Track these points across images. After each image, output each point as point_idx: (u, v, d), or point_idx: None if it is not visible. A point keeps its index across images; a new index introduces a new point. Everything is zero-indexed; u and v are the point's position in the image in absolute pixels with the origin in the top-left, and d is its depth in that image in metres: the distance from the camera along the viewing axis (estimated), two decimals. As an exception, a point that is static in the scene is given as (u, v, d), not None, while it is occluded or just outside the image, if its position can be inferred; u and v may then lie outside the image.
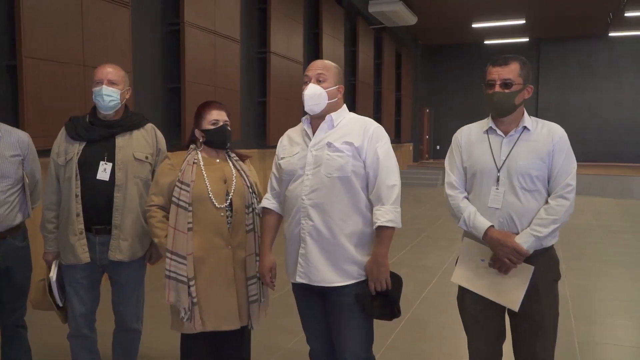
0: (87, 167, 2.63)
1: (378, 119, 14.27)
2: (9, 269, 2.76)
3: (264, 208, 2.52)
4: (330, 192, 2.24)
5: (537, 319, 2.27)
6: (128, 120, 2.75)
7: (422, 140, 19.91)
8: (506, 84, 2.27)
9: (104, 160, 2.66)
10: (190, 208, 2.48)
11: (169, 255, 2.48)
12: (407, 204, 11.53)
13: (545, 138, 2.28)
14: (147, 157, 2.76)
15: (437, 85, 20.27)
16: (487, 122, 2.41)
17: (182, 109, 6.16)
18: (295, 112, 9.07)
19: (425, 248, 6.97)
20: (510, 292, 2.27)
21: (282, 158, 2.42)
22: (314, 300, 2.37)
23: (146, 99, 5.87)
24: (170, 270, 2.48)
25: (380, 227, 2.21)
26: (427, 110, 20.38)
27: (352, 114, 2.41)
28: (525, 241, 2.22)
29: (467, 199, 2.41)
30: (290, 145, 2.43)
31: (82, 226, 2.62)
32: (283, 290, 4.61)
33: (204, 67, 6.48)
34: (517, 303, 2.25)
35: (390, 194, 2.24)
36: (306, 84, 2.34)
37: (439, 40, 19.16)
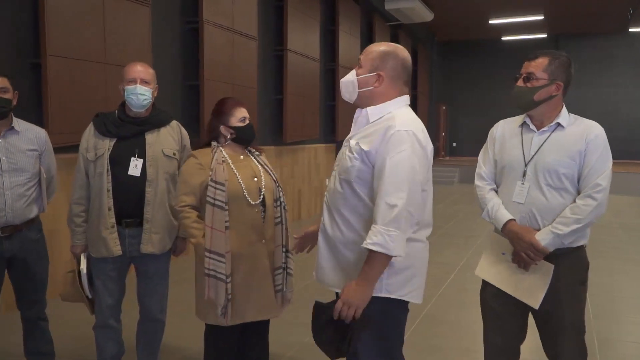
0: (118, 162, 2.70)
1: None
2: (26, 261, 2.85)
3: None
4: (339, 194, 2.07)
5: (557, 319, 2.25)
6: (156, 118, 2.83)
7: (438, 138, 19.83)
8: (527, 78, 2.25)
9: (134, 157, 2.72)
10: (226, 207, 2.50)
11: (207, 254, 2.49)
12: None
13: (578, 136, 2.21)
14: (174, 154, 2.83)
15: (454, 82, 20.17)
16: (523, 117, 2.38)
17: (201, 106, 6.22)
18: (311, 110, 9.10)
19: (441, 245, 6.97)
20: (531, 289, 2.24)
21: None
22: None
23: (165, 96, 5.93)
24: (209, 269, 2.49)
25: (369, 250, 1.90)
26: (444, 108, 20.28)
27: (403, 111, 2.06)
28: (543, 238, 2.18)
29: (496, 191, 2.40)
30: None
31: (113, 220, 2.69)
32: (300, 285, 4.66)
33: (222, 65, 6.53)
34: (537, 301, 2.22)
35: (386, 213, 1.88)
36: None
37: (455, 36, 19.05)
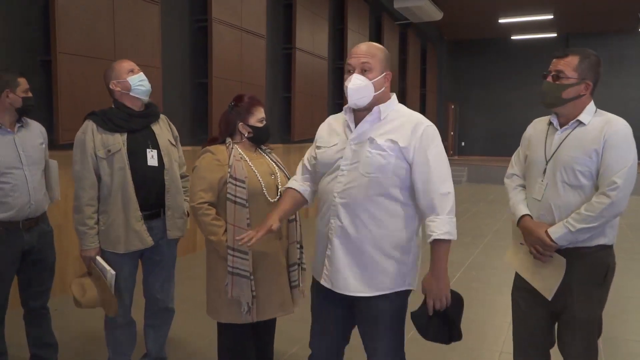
0: (135, 155, 2.73)
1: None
2: (40, 253, 2.91)
3: (289, 188, 2.33)
4: (366, 192, 2.03)
5: (568, 317, 2.27)
6: (156, 110, 2.91)
7: (446, 137, 19.78)
8: (557, 76, 2.24)
9: (149, 148, 2.77)
10: (247, 204, 2.50)
11: (230, 252, 2.49)
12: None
13: (596, 133, 2.18)
14: (175, 143, 2.94)
15: (463, 81, 20.10)
16: (551, 115, 2.39)
17: (209, 103, 6.26)
18: (320, 108, 9.12)
19: (449, 244, 6.94)
20: (545, 279, 2.28)
21: (319, 148, 2.22)
22: (335, 305, 2.19)
23: (174, 94, 5.98)
24: (233, 267, 2.49)
25: (436, 241, 2.02)
26: (452, 107, 20.22)
27: (402, 107, 2.17)
28: (555, 231, 2.19)
29: (523, 187, 2.45)
30: (329, 134, 2.22)
31: (140, 212, 2.72)
32: (308, 282, 4.68)
33: (230, 63, 6.57)
34: (550, 292, 2.25)
35: (445, 203, 2.03)
36: (349, 73, 2.10)
37: (465, 35, 18.98)
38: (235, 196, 2.49)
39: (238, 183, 2.50)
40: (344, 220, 2.07)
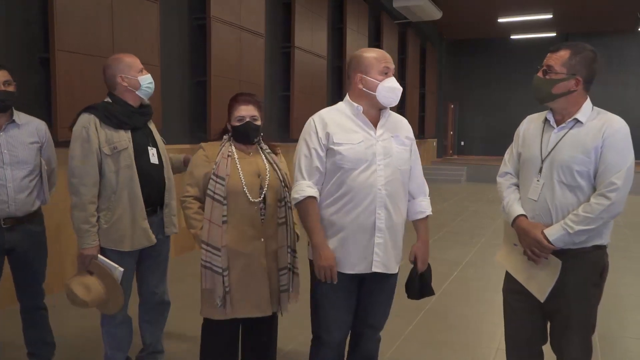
0: (138, 153, 2.71)
1: (402, 115, 14.09)
2: (25, 253, 2.86)
3: (311, 197, 2.29)
4: (399, 183, 2.34)
5: (564, 317, 2.25)
6: (151, 109, 2.89)
7: (446, 136, 19.80)
8: (546, 71, 2.21)
9: (150, 146, 2.77)
10: (225, 202, 2.53)
11: (204, 246, 2.54)
12: (430, 200, 11.48)
13: (595, 132, 2.13)
14: (164, 141, 2.95)
15: (462, 80, 20.11)
16: (546, 113, 2.34)
17: (208, 102, 6.27)
18: (318, 107, 9.08)
19: (447, 242, 6.99)
20: (539, 281, 2.25)
21: (341, 144, 2.28)
22: (354, 290, 2.42)
23: (173, 92, 5.99)
24: (205, 261, 2.55)
25: (428, 216, 2.49)
26: (452, 106, 20.24)
27: None
28: (553, 233, 2.15)
29: (517, 185, 2.40)
30: (345, 132, 2.30)
31: (145, 210, 2.71)
32: (304, 286, 4.68)
33: (229, 61, 6.58)
34: (544, 295, 2.23)
35: (426, 185, 2.52)
36: (387, 75, 2.34)
37: (464, 35, 19.00)
38: (214, 192, 2.54)
39: (218, 180, 2.55)
40: (390, 209, 2.32)
